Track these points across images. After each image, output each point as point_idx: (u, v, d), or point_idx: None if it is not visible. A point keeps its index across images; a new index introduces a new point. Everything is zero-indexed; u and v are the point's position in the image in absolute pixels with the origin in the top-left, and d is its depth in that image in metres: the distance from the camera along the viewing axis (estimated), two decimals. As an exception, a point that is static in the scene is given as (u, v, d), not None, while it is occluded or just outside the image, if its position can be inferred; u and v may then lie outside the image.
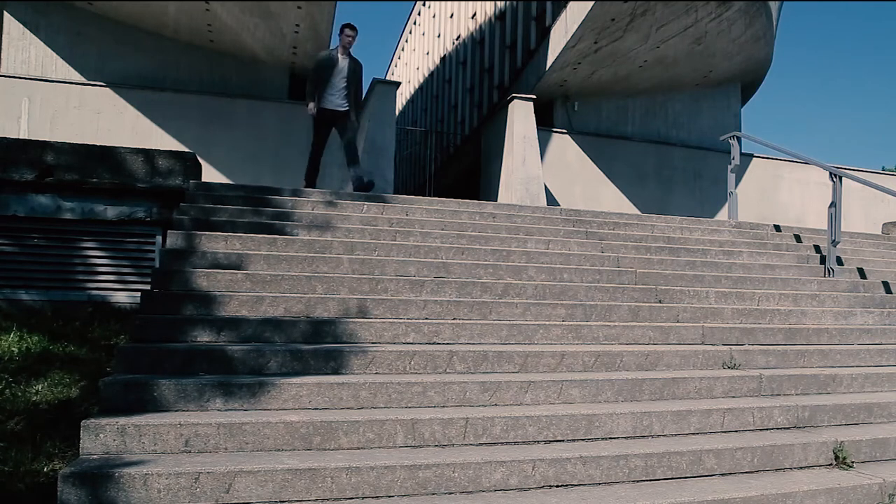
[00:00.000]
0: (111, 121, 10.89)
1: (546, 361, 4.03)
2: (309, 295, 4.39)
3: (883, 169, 21.79)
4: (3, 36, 10.95)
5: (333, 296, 4.45)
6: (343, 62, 7.53)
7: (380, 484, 2.86)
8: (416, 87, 28.55)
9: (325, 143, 7.68)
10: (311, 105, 7.44)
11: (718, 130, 13.00)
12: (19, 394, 3.77)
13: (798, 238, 7.68)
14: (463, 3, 21.78)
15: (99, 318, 5.13)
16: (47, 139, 6.20)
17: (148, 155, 5.66)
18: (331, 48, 7.36)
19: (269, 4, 10.48)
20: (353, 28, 7.55)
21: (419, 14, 28.82)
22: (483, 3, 19.57)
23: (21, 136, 10.10)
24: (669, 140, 14.39)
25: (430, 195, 12.38)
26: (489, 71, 18.07)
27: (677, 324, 4.86)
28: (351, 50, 7.66)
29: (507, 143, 12.21)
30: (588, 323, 4.69)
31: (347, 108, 7.57)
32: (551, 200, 12.45)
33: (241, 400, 3.25)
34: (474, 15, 20.59)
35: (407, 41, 31.52)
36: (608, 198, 13.21)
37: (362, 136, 11.43)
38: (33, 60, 11.03)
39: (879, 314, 5.80)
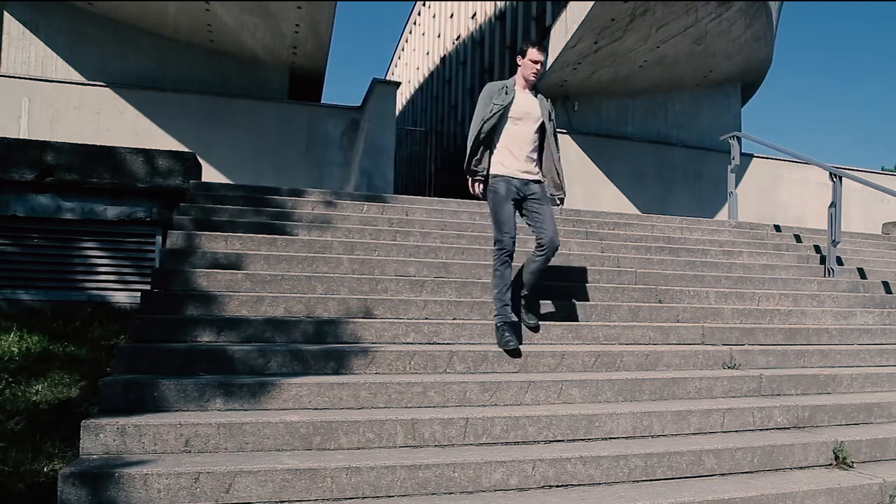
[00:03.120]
0: (111, 121, 10.90)
1: (546, 361, 4.03)
2: (309, 295, 4.38)
3: (883, 169, 21.81)
4: (3, 36, 10.95)
5: (333, 296, 4.44)
6: (526, 100, 4.30)
7: (380, 484, 2.86)
8: (416, 87, 28.54)
9: (513, 232, 4.16)
10: (478, 185, 4.25)
11: (718, 130, 13.00)
12: (19, 394, 3.77)
13: (798, 238, 7.68)
14: (463, 3, 21.78)
15: (99, 318, 5.13)
16: (47, 139, 6.20)
17: (148, 155, 5.66)
18: (505, 80, 4.43)
19: (269, 4, 10.48)
20: (542, 49, 4.33)
21: (419, 14, 28.82)
22: (483, 3, 19.57)
23: (21, 136, 10.11)
24: (669, 140, 14.39)
25: (430, 195, 12.37)
26: (489, 71, 18.07)
27: (677, 324, 4.86)
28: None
29: (507, 143, 12.19)
30: (588, 323, 4.69)
31: (540, 177, 4.32)
32: (551, 200, 12.44)
33: (241, 400, 3.25)
34: (474, 15, 20.59)
35: (407, 41, 31.52)
36: (608, 198, 13.21)
37: (362, 136, 11.44)
38: (33, 60, 11.04)
39: (879, 314, 5.80)
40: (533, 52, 4.28)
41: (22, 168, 5.38)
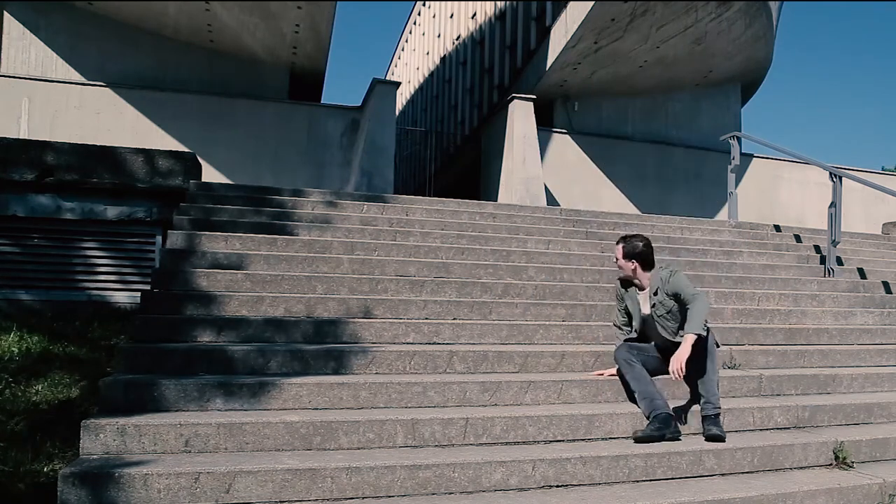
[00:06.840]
0: (111, 121, 10.89)
1: (546, 361, 4.03)
2: (309, 295, 4.38)
3: (883, 169, 21.80)
4: (3, 36, 10.95)
5: (333, 296, 4.44)
6: (652, 297, 3.85)
7: (380, 484, 2.86)
8: (416, 87, 28.54)
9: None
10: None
11: (718, 130, 12.98)
12: (19, 394, 3.77)
13: (798, 238, 7.68)
14: (463, 3, 21.77)
15: (99, 318, 5.13)
16: (47, 139, 6.20)
17: (148, 155, 5.66)
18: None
19: (269, 4, 10.48)
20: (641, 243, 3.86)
21: (419, 14, 28.81)
22: (483, 3, 19.56)
23: (21, 136, 10.10)
24: (669, 140, 14.38)
25: (429, 195, 12.37)
26: (489, 71, 18.05)
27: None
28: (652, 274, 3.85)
29: (507, 143, 12.21)
30: (588, 323, 4.69)
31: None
32: (551, 200, 12.44)
33: (241, 400, 3.25)
34: (474, 15, 20.58)
35: (407, 41, 31.50)
36: (608, 198, 13.20)
37: (362, 136, 11.44)
38: (33, 60, 11.03)
39: (879, 314, 5.80)
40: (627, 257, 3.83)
41: (22, 168, 5.37)
